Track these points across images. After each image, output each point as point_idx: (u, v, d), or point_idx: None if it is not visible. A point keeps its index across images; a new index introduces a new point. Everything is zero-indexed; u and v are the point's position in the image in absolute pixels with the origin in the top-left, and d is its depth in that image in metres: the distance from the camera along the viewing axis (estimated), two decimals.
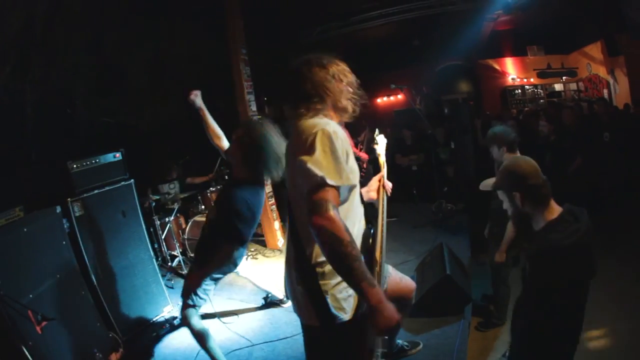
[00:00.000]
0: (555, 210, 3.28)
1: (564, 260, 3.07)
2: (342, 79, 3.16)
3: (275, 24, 13.18)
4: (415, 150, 12.65)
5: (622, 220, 8.65)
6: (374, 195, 3.99)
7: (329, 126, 2.79)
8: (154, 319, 6.83)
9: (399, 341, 5.03)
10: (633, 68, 16.05)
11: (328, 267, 2.85)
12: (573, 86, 20.54)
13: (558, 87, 20.87)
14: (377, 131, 4.49)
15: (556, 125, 9.91)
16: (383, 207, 3.81)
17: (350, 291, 2.90)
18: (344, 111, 3.19)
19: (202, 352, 5.74)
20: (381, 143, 4.58)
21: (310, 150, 2.71)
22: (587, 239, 3.13)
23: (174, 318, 6.77)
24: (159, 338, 6.45)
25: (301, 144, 2.78)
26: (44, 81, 7.83)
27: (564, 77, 20.53)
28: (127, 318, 6.44)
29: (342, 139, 2.81)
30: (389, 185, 4.12)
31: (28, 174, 7.26)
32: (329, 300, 2.85)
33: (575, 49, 19.79)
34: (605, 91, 18.07)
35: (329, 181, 2.61)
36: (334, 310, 2.85)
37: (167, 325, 6.65)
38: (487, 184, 3.78)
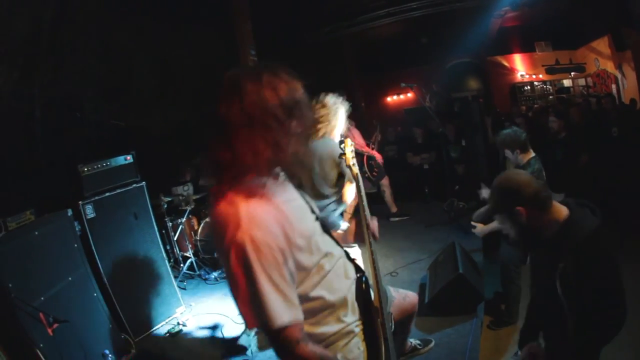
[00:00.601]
0: (561, 207, 3.08)
1: (608, 242, 3.00)
2: (298, 109, 2.29)
3: (283, 25, 13.19)
4: (426, 149, 12.66)
5: (631, 215, 8.60)
6: (351, 238, 3.40)
7: (246, 227, 2.08)
8: (167, 320, 6.84)
9: (411, 340, 4.99)
10: None
11: (331, 338, 2.51)
12: (581, 82, 20.47)
13: (567, 83, 20.80)
14: (339, 137, 3.84)
15: (565, 121, 9.90)
16: (372, 248, 3.20)
17: (362, 345, 2.66)
18: (284, 163, 2.33)
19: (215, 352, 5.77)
20: (349, 150, 3.66)
21: (234, 284, 2.14)
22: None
23: (187, 319, 6.76)
24: (171, 339, 6.45)
25: (225, 265, 2.19)
26: (53, 85, 7.85)
27: (572, 73, 20.46)
28: (139, 319, 6.47)
29: (268, 238, 2.10)
30: (374, 226, 3.48)
31: (38, 178, 7.28)
32: None
33: (582, 44, 19.72)
34: (614, 86, 18.01)
35: (277, 325, 2.08)
36: None
37: (180, 326, 6.65)
38: (480, 213, 3.53)
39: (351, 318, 2.61)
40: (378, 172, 9.83)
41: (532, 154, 5.73)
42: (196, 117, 10.46)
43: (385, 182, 10.24)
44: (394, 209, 10.49)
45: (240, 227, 2.07)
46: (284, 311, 2.09)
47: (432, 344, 5.20)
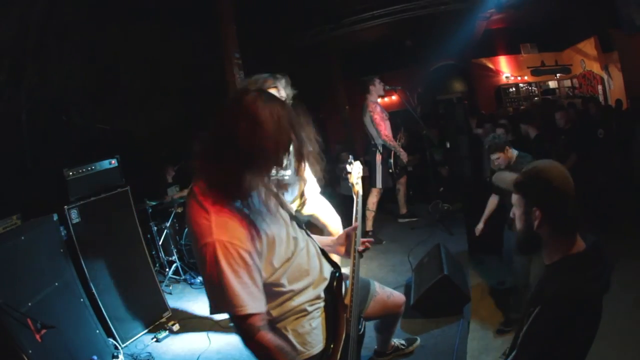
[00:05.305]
0: (578, 245, 2.52)
1: (579, 312, 2.35)
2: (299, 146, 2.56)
3: (268, 27, 13.18)
4: (410, 151, 12.66)
5: (619, 217, 8.66)
6: (342, 250, 3.36)
7: (216, 233, 2.35)
8: (154, 325, 6.82)
9: (395, 340, 4.98)
10: (627, 63, 16.07)
11: (276, 310, 2.74)
12: (567, 83, 20.59)
13: (552, 84, 20.93)
14: (350, 158, 3.93)
15: (552, 126, 9.98)
16: (355, 249, 3.21)
17: (315, 323, 2.86)
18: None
19: (202, 357, 5.75)
20: (355, 171, 3.72)
21: (206, 279, 2.43)
22: (607, 287, 2.47)
23: (174, 324, 6.76)
24: (158, 344, 6.44)
25: (199, 263, 2.48)
26: (39, 88, 7.83)
27: (558, 74, 20.59)
28: (126, 324, 6.45)
29: (234, 241, 2.36)
30: (366, 243, 3.36)
31: (24, 182, 7.26)
32: (292, 337, 2.78)
33: (568, 46, 19.85)
34: (600, 87, 18.12)
35: (240, 313, 2.36)
36: (299, 347, 2.78)
37: (166, 330, 6.64)
38: (504, 178, 2.96)
39: (305, 298, 2.80)
40: (400, 170, 9.80)
41: (516, 151, 5.94)
42: (187, 119, 10.46)
43: (402, 180, 10.19)
44: (403, 210, 10.44)
45: (212, 233, 2.35)
46: (247, 302, 2.36)
47: (418, 342, 5.21)
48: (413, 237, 9.04)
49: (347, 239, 3.33)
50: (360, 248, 3.29)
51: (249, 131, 2.35)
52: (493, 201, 6.72)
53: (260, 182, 2.46)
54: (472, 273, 7.23)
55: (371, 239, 3.43)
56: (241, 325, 2.42)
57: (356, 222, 3.35)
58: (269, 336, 2.45)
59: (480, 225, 6.78)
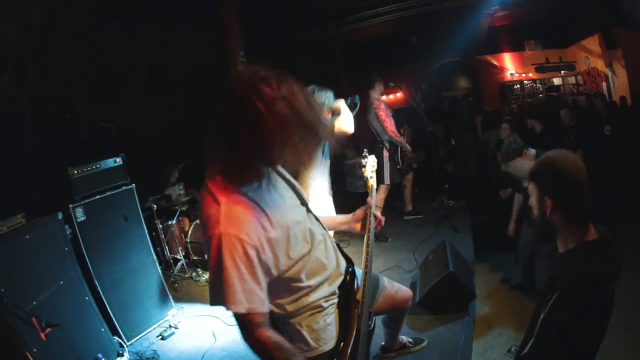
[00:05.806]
0: (590, 231, 2.62)
1: (597, 297, 2.46)
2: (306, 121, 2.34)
3: (273, 25, 13.16)
4: (415, 148, 12.61)
5: (624, 214, 8.63)
6: (357, 227, 3.38)
7: (224, 224, 2.29)
8: (159, 323, 6.82)
9: (403, 337, 4.99)
10: (631, 60, 16.09)
11: (291, 306, 2.70)
12: (572, 80, 20.57)
13: (557, 81, 20.94)
14: (365, 152, 3.91)
15: (549, 122, 9.99)
16: (369, 244, 3.21)
17: (329, 319, 2.83)
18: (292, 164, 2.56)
19: (208, 354, 5.74)
20: (370, 165, 3.69)
21: (210, 269, 2.38)
22: (618, 276, 2.57)
23: (179, 321, 6.77)
24: (163, 342, 6.44)
25: (206, 252, 2.44)
26: (43, 88, 7.83)
27: (562, 71, 20.58)
28: (131, 322, 6.44)
29: (242, 235, 2.29)
30: (380, 219, 3.40)
31: (29, 181, 7.26)
32: (306, 333, 2.75)
33: (572, 43, 19.86)
34: (604, 84, 18.10)
35: (235, 310, 2.31)
36: (312, 343, 2.76)
37: (172, 328, 6.65)
38: (521, 167, 2.96)
39: (321, 294, 2.76)
40: (407, 167, 9.76)
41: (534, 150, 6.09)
42: (191, 117, 10.43)
43: (409, 177, 10.17)
44: (409, 207, 10.44)
45: (220, 223, 2.29)
46: (243, 300, 2.29)
47: (425, 343, 5.19)
48: (418, 234, 9.02)
49: (364, 215, 3.33)
50: (379, 227, 3.37)
51: (265, 117, 2.22)
52: (519, 198, 6.74)
53: (274, 167, 2.56)
54: (477, 270, 7.21)
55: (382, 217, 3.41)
56: (241, 320, 2.39)
57: (370, 199, 3.37)
58: (268, 333, 2.41)
59: (512, 225, 6.91)
